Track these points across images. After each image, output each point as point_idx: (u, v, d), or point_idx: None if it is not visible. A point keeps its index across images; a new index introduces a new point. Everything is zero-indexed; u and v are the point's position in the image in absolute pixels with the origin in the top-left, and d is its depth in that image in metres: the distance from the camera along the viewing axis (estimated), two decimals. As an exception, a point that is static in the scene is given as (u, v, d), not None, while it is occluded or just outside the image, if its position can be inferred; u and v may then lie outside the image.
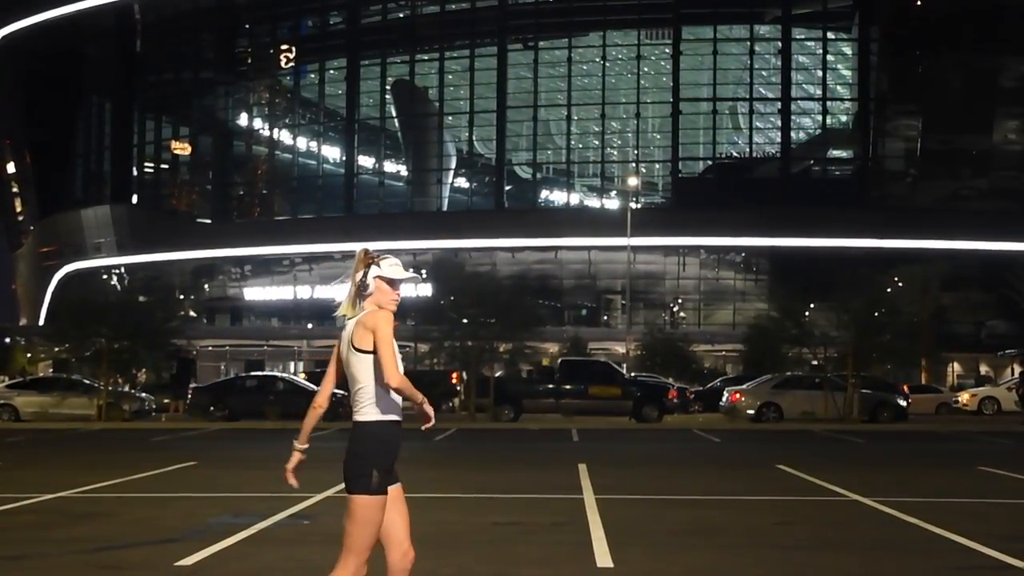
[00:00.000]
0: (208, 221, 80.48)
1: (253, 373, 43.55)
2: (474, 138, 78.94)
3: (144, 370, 41.11)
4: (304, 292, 73.36)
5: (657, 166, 76.64)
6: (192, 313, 64.43)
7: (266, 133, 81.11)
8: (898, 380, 41.25)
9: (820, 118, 75.15)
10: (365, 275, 5.22)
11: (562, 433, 28.55)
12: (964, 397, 45.51)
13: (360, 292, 5.22)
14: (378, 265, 5.23)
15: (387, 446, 5.13)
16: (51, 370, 48.29)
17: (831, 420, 33.83)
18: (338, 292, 5.41)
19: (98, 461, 19.21)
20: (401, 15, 79.84)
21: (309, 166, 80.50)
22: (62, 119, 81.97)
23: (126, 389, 39.15)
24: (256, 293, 76.29)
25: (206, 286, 78.30)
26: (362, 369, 5.10)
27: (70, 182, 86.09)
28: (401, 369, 5.07)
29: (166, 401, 40.74)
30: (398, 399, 5.15)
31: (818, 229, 63.77)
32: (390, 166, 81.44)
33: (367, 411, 5.10)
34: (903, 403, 36.44)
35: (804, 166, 76.23)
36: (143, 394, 38.51)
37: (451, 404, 40.94)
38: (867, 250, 61.69)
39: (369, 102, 79.78)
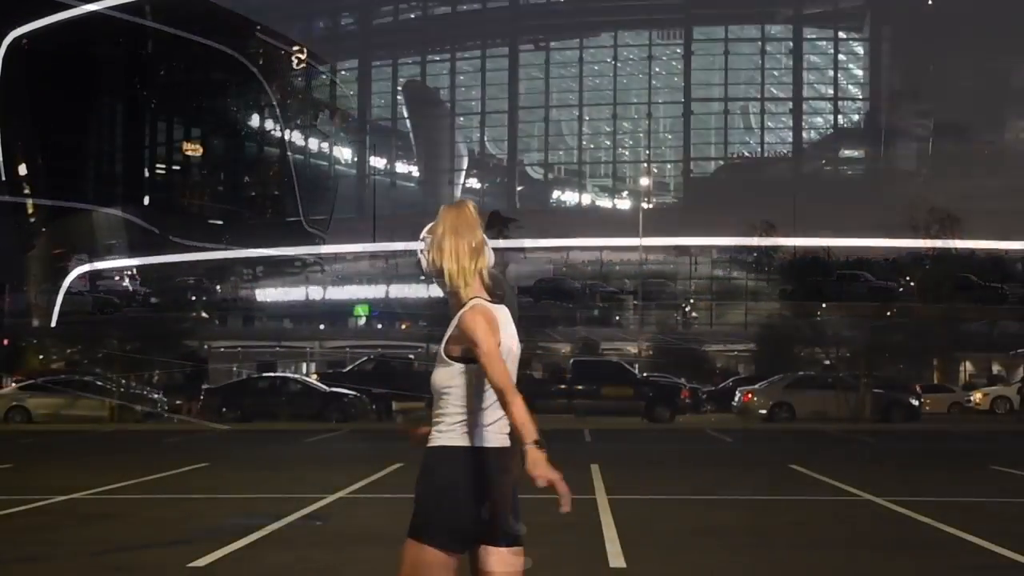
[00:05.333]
0: (220, 222, 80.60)
1: (265, 374, 43.40)
2: (486, 139, 78.90)
3: (157, 371, 40.99)
4: (316, 293, 73.43)
5: (668, 166, 76.55)
6: (204, 314, 64.50)
7: (277, 134, 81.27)
8: (910, 380, 41.04)
9: (832, 117, 74.91)
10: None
11: (574, 434, 28.28)
12: (977, 396, 45.11)
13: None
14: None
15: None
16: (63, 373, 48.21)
17: (843, 420, 33.59)
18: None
19: (110, 463, 19.19)
20: (412, 16, 79.91)
21: (321, 167, 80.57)
22: (74, 121, 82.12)
23: (138, 390, 38.96)
24: (268, 294, 76.41)
25: (218, 287, 78.48)
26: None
27: (82, 184, 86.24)
28: None
29: (178, 402, 40.59)
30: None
31: (829, 228, 63.61)
32: (402, 167, 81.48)
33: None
34: (915, 402, 36.20)
35: (816, 165, 76.00)
36: (156, 395, 38.45)
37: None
38: (878, 249, 61.49)
39: (381, 103, 79.86)
